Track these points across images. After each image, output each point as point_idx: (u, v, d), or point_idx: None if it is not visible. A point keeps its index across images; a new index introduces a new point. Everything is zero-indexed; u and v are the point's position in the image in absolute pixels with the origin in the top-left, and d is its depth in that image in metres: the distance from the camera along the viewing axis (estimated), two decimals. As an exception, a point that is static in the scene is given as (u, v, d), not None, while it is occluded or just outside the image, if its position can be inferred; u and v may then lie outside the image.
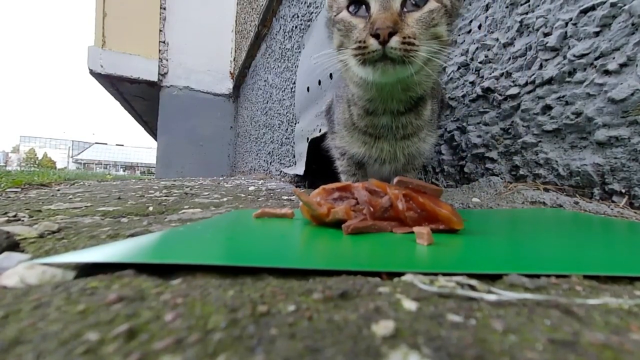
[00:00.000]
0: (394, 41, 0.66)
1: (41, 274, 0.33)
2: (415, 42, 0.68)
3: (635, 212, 0.76)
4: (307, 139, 2.11)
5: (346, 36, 0.75)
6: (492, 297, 0.27)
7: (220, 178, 4.24)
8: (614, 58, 0.80)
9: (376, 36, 0.66)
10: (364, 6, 0.74)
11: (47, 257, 0.37)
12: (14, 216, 0.81)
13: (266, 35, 3.87)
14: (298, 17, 2.69)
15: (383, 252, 0.41)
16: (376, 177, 1.10)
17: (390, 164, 1.00)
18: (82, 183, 2.63)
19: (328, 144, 1.27)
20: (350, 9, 0.76)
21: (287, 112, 2.98)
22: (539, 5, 0.99)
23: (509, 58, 1.09)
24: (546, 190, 0.97)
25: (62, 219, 0.81)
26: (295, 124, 2.57)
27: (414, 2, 0.71)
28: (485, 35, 1.19)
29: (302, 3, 2.59)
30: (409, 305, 0.26)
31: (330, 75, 1.76)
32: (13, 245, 0.47)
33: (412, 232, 0.47)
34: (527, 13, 1.03)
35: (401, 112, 0.90)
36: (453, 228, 0.50)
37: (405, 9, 0.70)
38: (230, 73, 6.23)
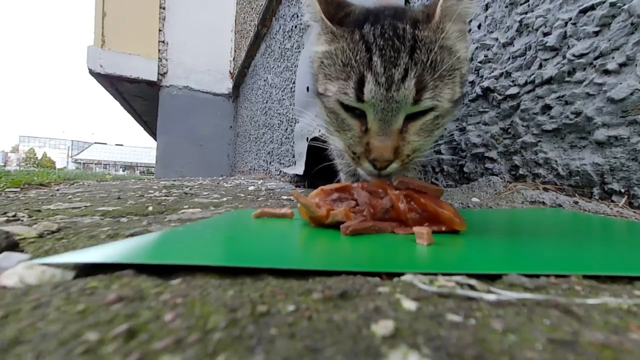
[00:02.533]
0: (392, 168, 0.60)
1: (40, 273, 0.33)
2: (417, 154, 0.62)
3: (634, 212, 0.76)
4: (307, 138, 2.11)
5: (338, 128, 0.65)
6: (491, 297, 0.27)
7: (220, 178, 4.24)
8: (613, 58, 0.80)
9: (372, 163, 0.60)
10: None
11: (46, 257, 0.37)
12: (14, 216, 0.81)
13: (266, 35, 3.87)
14: (297, 16, 2.69)
15: (383, 253, 0.41)
16: None
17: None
18: (81, 183, 2.63)
19: (327, 142, 1.26)
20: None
21: (286, 112, 2.97)
22: (538, 5, 0.99)
23: (509, 58, 1.09)
24: (546, 190, 0.97)
25: (61, 218, 0.81)
26: (295, 123, 2.57)
27: (419, 111, 0.60)
28: (485, 35, 1.19)
29: (301, 3, 2.59)
30: (409, 305, 0.26)
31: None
32: (12, 245, 0.47)
33: (413, 233, 0.47)
34: (526, 13, 1.03)
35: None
36: (455, 229, 0.50)
37: (408, 121, 0.60)
38: (230, 73, 6.22)
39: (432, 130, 0.63)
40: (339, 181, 1.18)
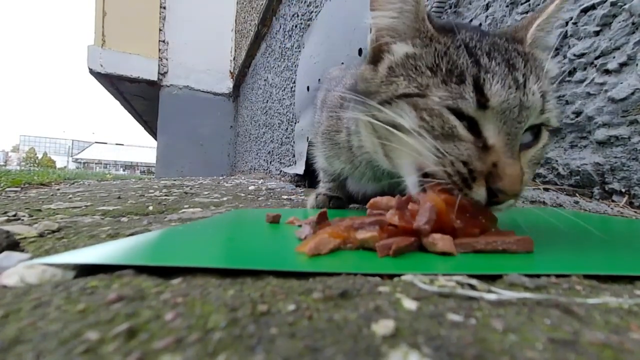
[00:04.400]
0: (508, 204, 0.48)
1: (41, 273, 0.33)
2: (524, 190, 0.50)
3: (635, 212, 0.76)
4: (307, 138, 2.11)
5: (435, 135, 0.49)
6: (492, 297, 0.27)
7: (220, 177, 4.24)
8: (614, 57, 0.80)
9: (493, 194, 0.45)
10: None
11: (47, 257, 0.37)
12: (14, 215, 0.81)
13: (266, 35, 3.87)
14: (298, 16, 2.69)
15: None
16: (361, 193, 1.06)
17: (371, 182, 0.89)
18: (81, 182, 2.63)
19: (312, 154, 1.11)
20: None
21: (287, 112, 2.97)
22: (539, 5, 0.99)
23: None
24: (546, 189, 0.97)
25: (62, 218, 0.81)
26: (295, 123, 2.57)
27: (530, 137, 0.52)
28: (486, 35, 1.19)
29: (302, 2, 2.59)
30: (409, 304, 0.26)
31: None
32: (13, 244, 0.47)
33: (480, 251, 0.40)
34: (527, 12, 1.03)
35: None
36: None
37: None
38: (230, 72, 6.22)
39: (539, 162, 0.54)
40: (318, 182, 1.14)
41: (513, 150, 0.46)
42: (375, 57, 0.60)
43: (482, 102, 0.46)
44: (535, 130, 0.52)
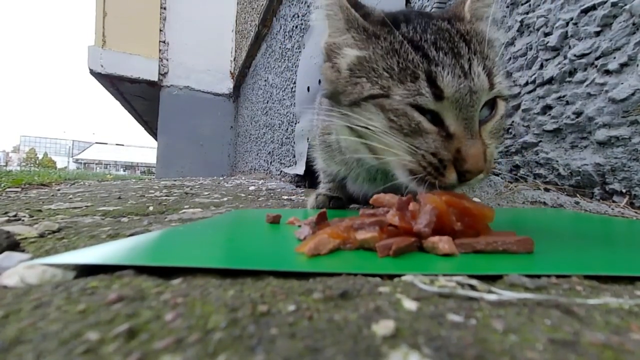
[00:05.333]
0: (476, 179, 0.52)
1: (41, 273, 0.33)
2: (493, 164, 0.54)
3: (635, 212, 0.76)
4: (308, 138, 2.11)
5: (403, 132, 0.53)
6: (492, 297, 0.26)
7: (221, 178, 4.25)
8: (614, 58, 0.80)
9: (462, 175, 0.50)
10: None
11: (47, 257, 0.37)
12: (15, 216, 0.81)
13: (266, 35, 3.87)
14: (298, 16, 2.69)
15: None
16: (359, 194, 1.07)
17: (371, 183, 0.88)
18: (82, 183, 2.63)
19: (311, 155, 1.11)
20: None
21: (287, 112, 2.97)
22: (539, 5, 0.99)
23: (510, 58, 1.09)
24: (547, 190, 0.97)
25: (62, 218, 0.81)
26: (296, 123, 2.57)
27: (487, 112, 0.56)
28: (486, 35, 1.19)
29: (302, 3, 2.59)
30: (409, 305, 0.26)
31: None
32: (13, 244, 0.47)
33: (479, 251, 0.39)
34: (527, 13, 1.03)
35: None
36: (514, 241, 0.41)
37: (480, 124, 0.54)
38: (231, 73, 6.23)
39: (500, 131, 0.57)
40: (318, 182, 1.14)
41: (472, 131, 0.51)
42: (330, 56, 0.62)
43: (438, 94, 0.50)
44: (491, 104, 0.55)
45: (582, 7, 0.87)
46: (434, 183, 0.51)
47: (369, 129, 0.55)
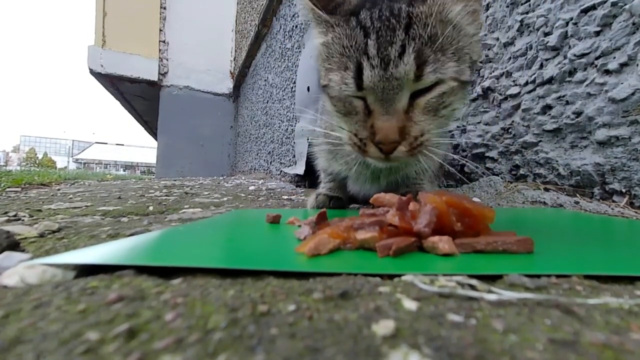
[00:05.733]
0: (399, 151, 0.57)
1: (41, 273, 0.33)
2: (425, 138, 0.58)
3: (635, 212, 0.76)
4: (308, 138, 2.11)
5: (344, 114, 0.63)
6: (492, 297, 0.26)
7: (221, 178, 4.25)
8: (614, 57, 0.80)
9: (378, 147, 0.57)
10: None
11: (47, 257, 0.37)
12: (14, 216, 0.81)
13: (266, 35, 3.87)
14: (298, 16, 2.69)
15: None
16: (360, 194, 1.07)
17: (372, 183, 0.92)
18: (82, 183, 2.63)
19: (312, 154, 1.14)
20: None
21: (287, 112, 2.97)
22: (539, 5, 0.99)
23: (510, 57, 1.09)
24: (546, 189, 0.97)
25: (62, 218, 0.81)
26: (296, 123, 2.57)
27: (423, 87, 0.58)
28: (486, 35, 1.19)
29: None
30: (409, 305, 0.26)
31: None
32: (13, 244, 0.47)
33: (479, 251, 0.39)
34: (527, 12, 1.03)
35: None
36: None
37: (414, 100, 0.58)
38: (231, 72, 6.22)
39: (439, 109, 0.59)
40: (318, 182, 1.14)
41: (388, 110, 0.57)
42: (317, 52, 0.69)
43: (360, 84, 0.57)
44: (433, 84, 0.58)
45: (582, 7, 0.87)
46: (359, 154, 0.61)
47: (330, 110, 0.67)
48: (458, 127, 1.33)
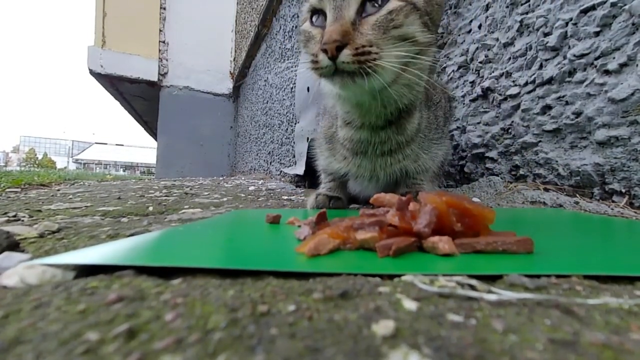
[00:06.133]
0: (344, 55, 0.61)
1: (41, 273, 0.33)
2: (373, 49, 0.62)
3: (635, 212, 0.76)
4: (307, 138, 2.11)
5: (306, 47, 0.73)
6: (492, 297, 0.27)
7: (221, 178, 4.24)
8: (614, 58, 0.80)
9: (325, 51, 0.62)
10: (322, 16, 0.71)
11: (47, 258, 0.37)
12: (14, 216, 0.81)
13: (266, 35, 3.87)
14: (298, 17, 2.69)
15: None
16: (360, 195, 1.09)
17: (371, 182, 0.93)
18: (82, 183, 2.63)
19: (313, 154, 1.16)
20: (313, 19, 0.74)
21: (287, 112, 2.98)
22: (539, 5, 0.99)
23: (509, 58, 1.09)
24: (546, 190, 0.97)
25: (62, 218, 0.81)
26: (296, 123, 2.57)
27: (373, 4, 0.65)
28: (486, 35, 1.19)
29: (302, 3, 2.59)
30: (409, 305, 0.26)
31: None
32: (13, 245, 0.47)
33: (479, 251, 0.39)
34: (527, 13, 1.03)
35: (380, 126, 0.82)
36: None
37: (363, 14, 0.65)
38: (230, 73, 6.23)
39: (389, 27, 0.64)
40: (319, 183, 1.14)
41: (337, 17, 0.64)
42: None
43: None
44: (383, 3, 0.66)
45: (582, 7, 0.87)
46: (318, 72, 0.67)
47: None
48: (458, 127, 1.33)
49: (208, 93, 6.09)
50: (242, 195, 1.61)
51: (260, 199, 1.41)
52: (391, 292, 0.28)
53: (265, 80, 3.95)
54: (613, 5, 0.80)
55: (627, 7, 0.78)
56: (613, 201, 0.82)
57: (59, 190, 1.86)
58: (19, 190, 1.76)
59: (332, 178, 1.02)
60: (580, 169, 0.88)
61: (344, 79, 0.65)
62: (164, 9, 5.79)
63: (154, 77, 5.62)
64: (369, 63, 0.62)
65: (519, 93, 1.05)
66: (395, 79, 0.70)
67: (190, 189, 1.89)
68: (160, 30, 5.76)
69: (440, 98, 1.03)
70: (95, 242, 0.54)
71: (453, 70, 1.35)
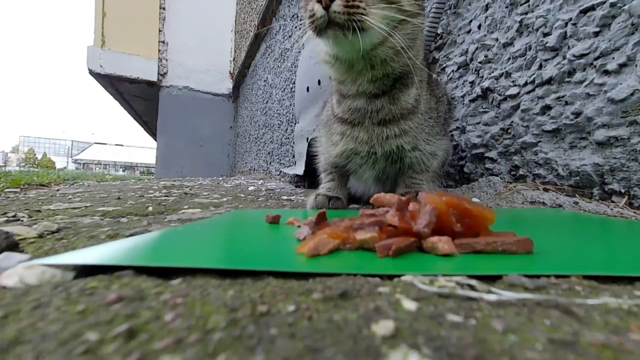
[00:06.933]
0: (336, 4, 0.68)
1: (41, 274, 0.33)
2: (362, 4, 0.69)
3: (634, 212, 0.76)
4: (307, 138, 2.11)
5: (305, 8, 0.78)
6: (492, 297, 0.27)
7: (220, 178, 4.24)
8: (613, 58, 0.80)
9: (319, 2, 0.70)
10: None
11: (46, 258, 0.37)
12: (14, 216, 0.81)
13: (266, 35, 3.87)
14: (298, 17, 2.69)
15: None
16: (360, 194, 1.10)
17: (369, 166, 0.94)
18: (81, 183, 2.63)
19: (314, 152, 1.21)
20: None
21: (286, 112, 2.98)
22: (538, 5, 0.99)
23: (509, 58, 1.09)
24: (546, 190, 0.97)
25: (61, 219, 0.81)
26: (295, 124, 2.57)
27: None
28: (485, 35, 1.19)
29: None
30: (409, 305, 0.26)
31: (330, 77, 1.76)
32: (12, 245, 0.47)
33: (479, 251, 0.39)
34: (526, 13, 1.03)
35: (375, 94, 0.87)
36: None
37: None
38: (230, 73, 6.23)
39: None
40: (319, 183, 1.15)
41: None
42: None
43: None
44: None
45: (581, 8, 0.87)
46: (313, 26, 0.73)
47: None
48: (457, 127, 1.33)
49: (207, 93, 6.10)
50: (242, 195, 1.61)
51: (259, 199, 1.41)
52: (391, 292, 0.28)
53: (264, 81, 3.95)
54: (612, 5, 0.80)
55: (626, 7, 0.78)
56: (612, 201, 0.82)
57: (58, 190, 1.85)
58: (18, 190, 1.76)
59: (331, 178, 1.02)
60: (579, 169, 0.89)
61: (336, 32, 0.72)
62: (164, 9, 5.80)
63: (153, 77, 5.62)
64: (357, 16, 0.69)
65: (519, 93, 1.06)
66: (383, 41, 0.77)
67: (190, 189, 1.89)
68: (160, 30, 5.76)
69: (443, 93, 1.06)
70: (94, 242, 0.54)
71: (453, 71, 1.35)
